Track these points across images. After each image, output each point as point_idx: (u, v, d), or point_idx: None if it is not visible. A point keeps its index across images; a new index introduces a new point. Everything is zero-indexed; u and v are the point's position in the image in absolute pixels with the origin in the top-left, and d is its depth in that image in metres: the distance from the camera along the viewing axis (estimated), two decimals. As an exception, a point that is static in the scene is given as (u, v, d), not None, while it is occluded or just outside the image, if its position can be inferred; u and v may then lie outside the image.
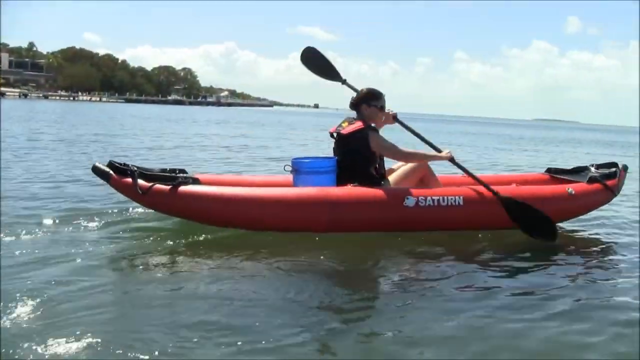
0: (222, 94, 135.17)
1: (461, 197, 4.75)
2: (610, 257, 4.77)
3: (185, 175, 4.94)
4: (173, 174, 4.87)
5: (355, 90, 5.33)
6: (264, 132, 23.60)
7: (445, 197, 4.72)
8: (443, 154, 5.05)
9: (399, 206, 4.62)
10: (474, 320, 3.03)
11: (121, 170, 4.69)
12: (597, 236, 5.43)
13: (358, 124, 4.87)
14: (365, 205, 4.66)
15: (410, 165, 5.03)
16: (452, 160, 5.04)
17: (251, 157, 11.48)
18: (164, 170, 4.98)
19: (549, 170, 6.29)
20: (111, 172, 4.68)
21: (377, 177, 4.92)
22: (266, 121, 36.79)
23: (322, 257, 4.07)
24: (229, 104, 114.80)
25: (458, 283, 3.65)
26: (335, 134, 5.06)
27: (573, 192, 5.29)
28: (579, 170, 6.02)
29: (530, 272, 4.03)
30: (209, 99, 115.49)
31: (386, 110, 5.10)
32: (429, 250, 4.39)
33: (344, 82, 5.60)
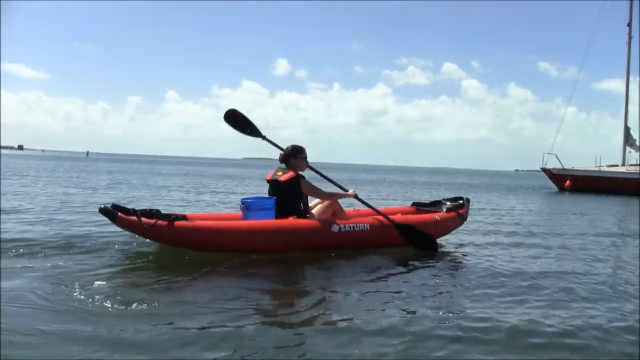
0: None
1: (368, 225, 6.67)
2: (468, 261, 6.80)
3: (176, 213, 6.11)
4: (166, 213, 5.96)
5: (275, 144, 6.93)
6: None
7: (358, 225, 6.60)
8: (350, 192, 6.95)
9: (328, 231, 6.38)
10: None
11: (125, 210, 5.77)
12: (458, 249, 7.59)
13: (291, 173, 6.50)
14: (308, 232, 6.32)
15: (326, 202, 6.78)
16: (356, 196, 6.94)
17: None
18: (147, 210, 5.91)
19: (414, 204, 8.48)
20: (117, 212, 5.68)
21: (305, 211, 6.60)
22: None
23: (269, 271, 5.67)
24: None
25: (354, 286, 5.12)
26: (272, 180, 6.63)
27: (439, 219, 7.44)
28: (435, 204, 8.21)
29: (414, 274, 5.86)
30: None
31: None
32: (339, 263, 6.13)
33: (264, 138, 7.10)
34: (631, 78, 35.71)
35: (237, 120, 7.19)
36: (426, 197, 13.71)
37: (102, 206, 5.73)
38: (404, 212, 7.90)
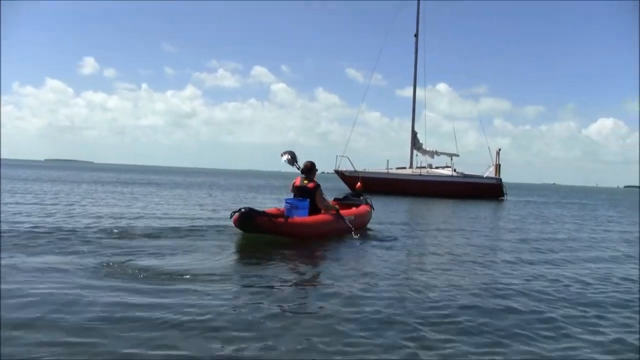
0: None
1: (353, 216, 10.08)
2: (390, 241, 9.72)
3: (282, 213, 8.55)
4: (278, 213, 8.48)
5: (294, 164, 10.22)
6: None
7: (353, 216, 10.06)
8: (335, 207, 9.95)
9: (348, 220, 9.57)
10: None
11: (257, 212, 7.80)
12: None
13: (314, 182, 9.50)
14: (341, 222, 9.40)
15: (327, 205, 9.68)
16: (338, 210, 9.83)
17: None
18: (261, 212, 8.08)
19: (335, 199, 11.59)
20: (254, 214, 7.67)
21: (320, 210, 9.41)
22: None
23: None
24: None
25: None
26: (300, 186, 9.39)
27: (370, 210, 11.23)
28: (346, 198, 11.76)
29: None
30: None
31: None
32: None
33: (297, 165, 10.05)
34: (428, 86, 38.91)
35: (293, 159, 10.02)
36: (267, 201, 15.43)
37: (242, 210, 7.65)
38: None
